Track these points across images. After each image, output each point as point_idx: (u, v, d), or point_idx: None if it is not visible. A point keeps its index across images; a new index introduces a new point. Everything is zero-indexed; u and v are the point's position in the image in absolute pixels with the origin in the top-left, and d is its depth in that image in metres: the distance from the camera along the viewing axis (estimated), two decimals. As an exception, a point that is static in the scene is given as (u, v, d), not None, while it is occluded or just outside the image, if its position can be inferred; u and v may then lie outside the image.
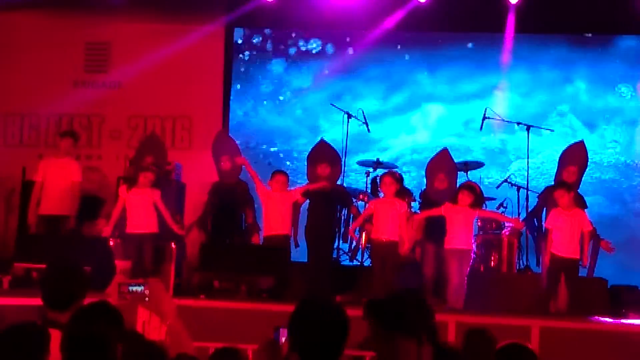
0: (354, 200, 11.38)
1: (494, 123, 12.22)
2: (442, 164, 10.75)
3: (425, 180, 10.87)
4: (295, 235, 10.45)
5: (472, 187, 10.17)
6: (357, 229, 10.70)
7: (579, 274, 9.75)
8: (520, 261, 10.95)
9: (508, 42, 12.93)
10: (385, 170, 11.00)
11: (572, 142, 11.12)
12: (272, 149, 13.53)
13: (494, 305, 9.73)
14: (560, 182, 10.07)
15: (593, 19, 12.50)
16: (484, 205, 10.91)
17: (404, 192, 10.72)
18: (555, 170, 10.62)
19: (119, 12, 12.91)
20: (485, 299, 9.92)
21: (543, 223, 10.29)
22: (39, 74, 13.08)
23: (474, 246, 10.14)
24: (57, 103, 13.12)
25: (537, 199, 10.80)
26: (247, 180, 11.16)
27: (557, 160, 10.68)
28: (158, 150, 11.26)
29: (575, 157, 10.61)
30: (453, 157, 10.80)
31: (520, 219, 10.73)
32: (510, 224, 10.64)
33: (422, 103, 13.43)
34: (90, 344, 3.67)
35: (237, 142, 11.55)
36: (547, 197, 10.32)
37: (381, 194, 10.46)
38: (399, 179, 10.34)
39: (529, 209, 11.00)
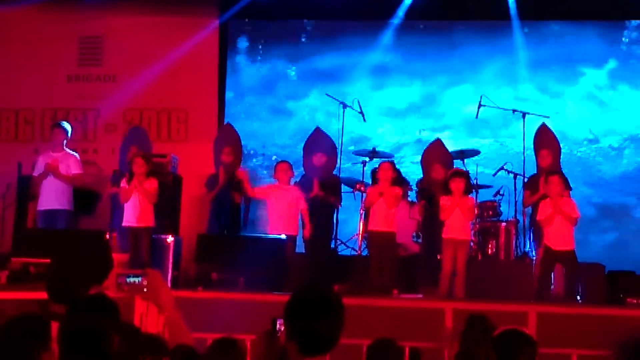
0: (352, 190, 11.42)
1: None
2: (436, 154, 10.83)
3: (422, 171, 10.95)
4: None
5: (461, 172, 10.18)
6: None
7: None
8: (518, 248, 10.96)
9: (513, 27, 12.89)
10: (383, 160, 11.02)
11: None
12: (270, 143, 13.54)
13: (491, 293, 9.74)
14: (554, 171, 10.07)
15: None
16: (477, 192, 11.00)
17: (400, 181, 10.77)
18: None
19: (112, 6, 12.89)
20: (483, 286, 9.94)
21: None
22: (33, 68, 13.07)
23: (471, 234, 10.20)
24: (52, 98, 13.14)
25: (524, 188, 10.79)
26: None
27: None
28: (142, 141, 11.28)
29: (541, 140, 10.70)
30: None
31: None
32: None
33: (420, 90, 13.43)
34: (86, 336, 3.67)
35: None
36: (533, 184, 10.37)
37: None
38: (396, 169, 10.37)
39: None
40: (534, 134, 10.92)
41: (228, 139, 11.27)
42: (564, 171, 10.25)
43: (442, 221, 9.82)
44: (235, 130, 11.54)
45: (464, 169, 10.86)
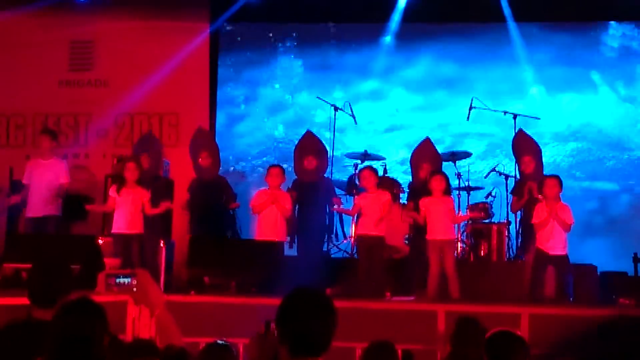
0: (344, 193, 11.41)
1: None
2: (424, 153, 10.82)
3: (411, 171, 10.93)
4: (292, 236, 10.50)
5: (440, 172, 10.16)
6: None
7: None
8: (510, 250, 10.97)
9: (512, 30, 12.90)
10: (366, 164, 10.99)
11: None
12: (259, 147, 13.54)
13: (484, 294, 9.74)
14: (552, 175, 10.08)
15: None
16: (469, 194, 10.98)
17: (391, 183, 10.76)
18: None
19: (103, 10, 12.88)
20: (476, 288, 9.93)
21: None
22: (24, 74, 13.06)
23: (457, 235, 10.20)
24: (43, 103, 13.12)
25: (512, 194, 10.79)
26: (224, 175, 11.26)
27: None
28: (153, 149, 11.27)
29: (522, 147, 10.69)
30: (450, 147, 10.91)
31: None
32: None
33: (411, 92, 13.44)
34: (76, 339, 3.65)
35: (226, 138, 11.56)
36: (519, 190, 10.38)
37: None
38: (377, 173, 10.27)
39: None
40: (511, 141, 10.91)
41: (203, 143, 11.20)
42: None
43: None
44: (208, 133, 11.54)
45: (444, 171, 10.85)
